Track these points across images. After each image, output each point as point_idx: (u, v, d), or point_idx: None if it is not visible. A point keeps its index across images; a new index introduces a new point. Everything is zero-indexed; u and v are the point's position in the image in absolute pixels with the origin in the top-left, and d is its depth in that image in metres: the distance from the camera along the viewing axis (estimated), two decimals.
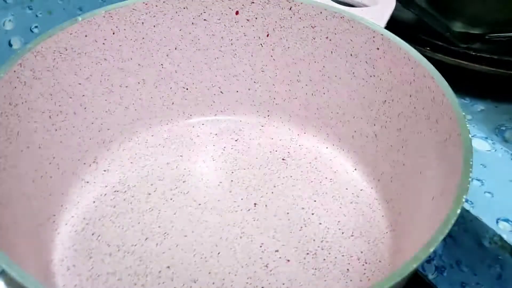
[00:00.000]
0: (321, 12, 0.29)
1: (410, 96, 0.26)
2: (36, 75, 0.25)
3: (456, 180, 0.19)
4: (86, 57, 0.28)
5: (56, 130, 0.27)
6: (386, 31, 0.27)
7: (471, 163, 0.19)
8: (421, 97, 0.25)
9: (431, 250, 0.16)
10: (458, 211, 0.17)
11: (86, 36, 0.27)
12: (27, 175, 0.25)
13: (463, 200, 0.18)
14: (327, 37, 0.30)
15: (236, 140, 0.33)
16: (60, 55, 0.26)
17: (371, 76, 0.29)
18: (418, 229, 0.22)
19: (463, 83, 0.34)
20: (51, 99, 0.27)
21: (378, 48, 0.27)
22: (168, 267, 0.26)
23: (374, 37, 0.27)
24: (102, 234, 0.27)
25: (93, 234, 0.27)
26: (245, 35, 0.32)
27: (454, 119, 0.21)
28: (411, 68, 0.25)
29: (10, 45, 0.37)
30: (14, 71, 0.24)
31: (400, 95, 0.27)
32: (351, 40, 0.29)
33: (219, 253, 0.27)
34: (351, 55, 0.29)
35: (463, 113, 0.21)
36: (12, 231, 0.21)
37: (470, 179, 0.18)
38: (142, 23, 0.29)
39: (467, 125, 0.21)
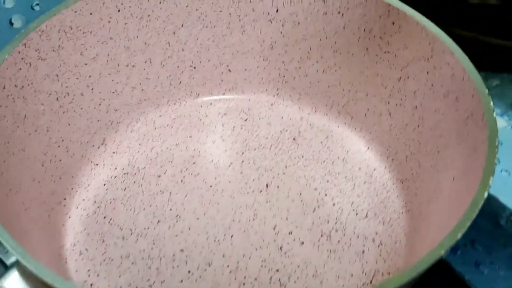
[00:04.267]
0: None
1: (427, 73, 0.25)
2: (41, 56, 0.24)
3: (480, 160, 0.18)
4: (92, 36, 0.27)
5: (63, 112, 0.27)
6: (402, 4, 0.26)
7: (496, 143, 0.18)
8: (440, 74, 0.24)
9: (459, 236, 0.15)
10: (485, 194, 0.17)
11: (91, 14, 0.26)
12: (36, 159, 0.24)
13: (490, 183, 0.17)
14: (339, 12, 0.29)
15: (245, 120, 0.33)
16: (65, 34, 0.25)
17: (385, 52, 0.28)
18: (438, 211, 0.22)
19: (478, 57, 0.33)
20: (58, 80, 0.26)
21: (393, 23, 0.26)
22: (182, 250, 0.26)
23: (389, 11, 0.26)
24: (114, 217, 0.27)
25: (104, 218, 0.27)
26: (253, 11, 0.31)
27: (477, 97, 0.20)
28: (428, 44, 0.24)
29: (11, 23, 0.36)
30: (19, 52, 0.23)
31: (417, 72, 0.26)
32: (365, 15, 0.28)
33: (232, 236, 0.26)
34: (364, 30, 0.28)
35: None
36: (24, 217, 0.21)
37: (496, 160, 0.18)
38: None
39: (491, 103, 0.20)
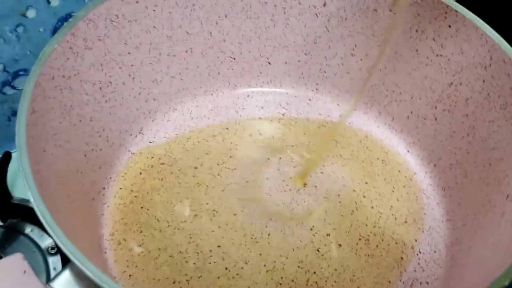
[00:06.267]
0: None
1: (484, 81, 0.24)
2: (88, 45, 0.24)
3: None
4: (137, 24, 0.26)
5: (106, 101, 0.26)
6: (461, 7, 0.25)
7: None
8: (497, 84, 0.23)
9: None
10: None
11: (137, 2, 0.26)
12: (79, 150, 0.24)
13: None
14: (390, 10, 0.28)
15: (283, 114, 0.32)
16: (112, 23, 0.25)
17: (437, 55, 0.27)
18: (488, 227, 0.21)
19: None
20: (102, 69, 0.25)
21: (450, 26, 0.25)
22: (219, 246, 0.25)
23: (446, 13, 0.25)
24: (151, 208, 0.27)
25: (142, 208, 0.27)
26: (300, 4, 0.30)
27: None
28: (487, 51, 0.23)
29: (48, 2, 0.35)
30: (67, 41, 0.23)
31: (471, 79, 0.25)
32: (418, 15, 0.27)
33: (269, 235, 0.26)
34: (416, 31, 0.27)
35: None
36: (69, 210, 0.21)
37: None
38: None
39: None
